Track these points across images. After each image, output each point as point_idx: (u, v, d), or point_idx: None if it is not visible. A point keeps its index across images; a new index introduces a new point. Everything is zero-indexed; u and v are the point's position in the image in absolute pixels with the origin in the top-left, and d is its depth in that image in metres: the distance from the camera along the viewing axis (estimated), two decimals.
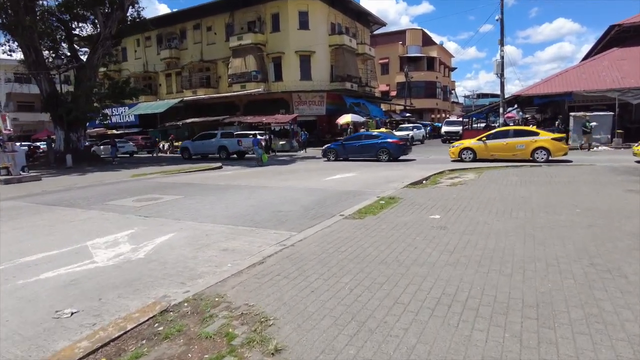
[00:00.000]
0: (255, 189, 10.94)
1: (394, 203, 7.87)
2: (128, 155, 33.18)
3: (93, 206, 9.34)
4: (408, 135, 30.53)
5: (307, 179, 12.93)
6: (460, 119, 39.87)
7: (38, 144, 38.22)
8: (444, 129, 35.30)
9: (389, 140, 18.84)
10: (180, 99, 39.31)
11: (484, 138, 16.46)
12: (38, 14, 25.94)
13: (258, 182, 12.47)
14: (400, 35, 58.82)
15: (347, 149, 20.00)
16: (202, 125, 38.20)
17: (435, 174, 12.33)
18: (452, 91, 72.18)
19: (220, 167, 19.29)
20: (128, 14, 27.34)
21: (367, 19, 43.56)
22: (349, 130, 33.32)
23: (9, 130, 15.58)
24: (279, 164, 19.66)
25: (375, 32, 50.61)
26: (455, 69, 75.83)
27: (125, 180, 14.67)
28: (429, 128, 41.65)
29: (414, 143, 31.02)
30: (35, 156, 28.41)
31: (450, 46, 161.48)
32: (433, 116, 58.81)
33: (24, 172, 17.76)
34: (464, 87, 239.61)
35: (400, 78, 53.05)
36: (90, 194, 11.45)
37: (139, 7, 28.02)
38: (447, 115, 60.19)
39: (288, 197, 9.33)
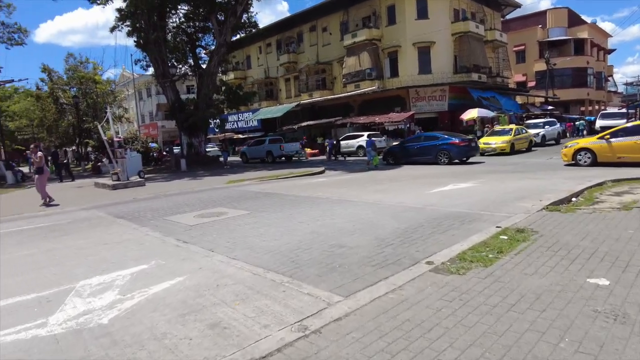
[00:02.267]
0: (335, 204, 8.76)
1: (523, 241, 4.94)
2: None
3: (150, 222, 8.29)
4: (539, 133, 25.11)
5: (407, 190, 10.29)
6: (623, 111, 31.93)
7: (175, 148, 42.08)
8: (599, 123, 28.31)
9: (449, 141, 17.33)
10: (297, 102, 39.35)
11: (608, 136, 12.77)
12: (168, 30, 27.95)
13: (345, 193, 10.27)
14: (539, 17, 50.56)
15: (407, 151, 18.56)
16: (317, 128, 37.68)
17: (591, 187, 8.63)
18: (609, 78, 59.50)
19: (322, 172, 17.68)
20: (242, 20, 27.76)
21: (497, 2, 38.01)
22: (475, 127, 29.01)
23: (120, 137, 16.20)
24: (386, 168, 17.16)
25: (508, 17, 44.23)
26: (613, 50, 62.50)
27: (217, 188, 13.91)
28: (581, 122, 34.20)
29: (546, 142, 25.48)
30: (163, 160, 30.76)
31: (605, 27, 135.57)
32: (583, 108, 49.15)
33: (140, 176, 18.58)
34: (622, 73, 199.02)
35: (540, 66, 45.38)
36: (167, 204, 10.66)
37: (252, 12, 28.24)
38: (603, 107, 49.63)
39: (367, 219, 6.93)
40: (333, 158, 26.15)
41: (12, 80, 33.25)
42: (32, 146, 12.64)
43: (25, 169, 29.91)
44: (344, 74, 34.99)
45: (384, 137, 27.96)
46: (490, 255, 4.51)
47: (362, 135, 28.55)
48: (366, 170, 17.24)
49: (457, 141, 17.38)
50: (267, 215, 7.97)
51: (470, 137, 19.55)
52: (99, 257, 5.80)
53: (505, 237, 5.16)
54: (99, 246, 6.47)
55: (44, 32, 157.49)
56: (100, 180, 17.26)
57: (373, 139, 22.15)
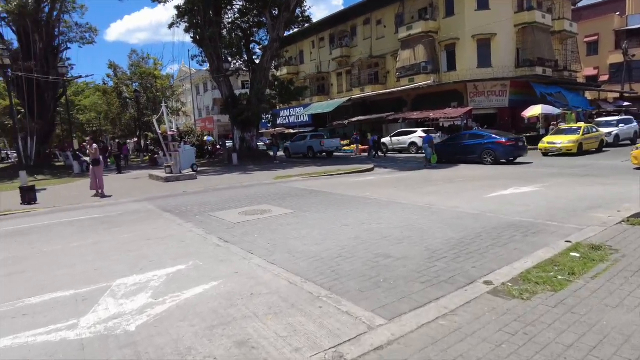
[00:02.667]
0: (382, 206, 8.25)
1: (601, 262, 4.23)
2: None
3: (196, 217, 8.26)
4: (611, 132, 22.80)
5: (463, 193, 9.56)
6: None
7: (228, 142, 43.14)
8: None
9: (495, 140, 16.61)
10: (349, 97, 38.81)
11: None
12: (223, 25, 28.47)
13: (394, 194, 9.72)
14: (616, 3, 46.11)
15: (449, 150, 17.99)
16: (368, 124, 36.98)
17: None
18: None
19: (371, 170, 17.16)
20: (295, 14, 27.65)
21: None
22: (538, 125, 27.06)
23: (174, 131, 16.59)
24: (440, 168, 16.31)
25: (580, 4, 40.78)
26: None
27: (265, 183, 13.84)
28: None
29: (620, 142, 23.08)
30: (216, 153, 31.51)
31: None
32: None
33: (193, 169, 19.03)
34: None
35: (616, 58, 41.43)
36: (214, 199, 10.67)
37: (306, 7, 28.03)
38: None
39: (417, 226, 6.39)
40: (374, 156, 25.23)
41: (80, 77, 35.46)
42: (87, 138, 13.22)
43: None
44: (397, 67, 33.95)
45: (439, 134, 26.82)
46: (560, 277, 3.87)
47: (416, 132, 27.57)
48: (418, 169, 16.48)
49: (503, 140, 16.57)
50: (311, 216, 7.65)
51: (518, 136, 18.34)
52: (139, 253, 5.76)
53: (577, 255, 4.46)
54: (142, 242, 6.47)
55: (114, 31, 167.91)
56: (155, 173, 17.85)
57: (431, 135, 21.24)
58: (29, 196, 11.75)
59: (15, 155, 30.29)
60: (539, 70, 29.58)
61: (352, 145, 31.58)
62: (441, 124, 29.45)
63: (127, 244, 6.34)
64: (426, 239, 5.58)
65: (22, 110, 27.05)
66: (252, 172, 18.56)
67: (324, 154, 27.33)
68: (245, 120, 26.94)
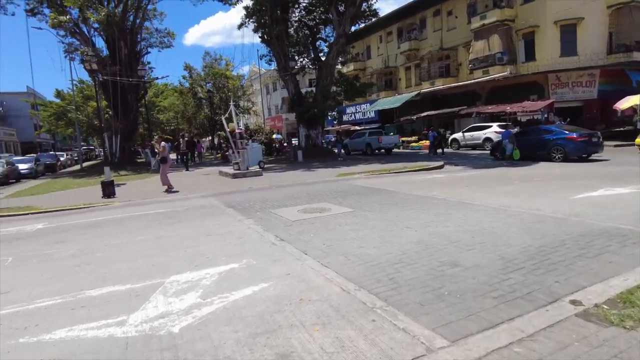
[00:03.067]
0: (450, 207, 7.59)
1: None
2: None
3: (256, 213, 8.23)
4: None
5: (543, 193, 8.57)
6: None
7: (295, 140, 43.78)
8: None
9: (565, 135, 15.51)
10: (417, 91, 37.51)
11: None
12: (290, 23, 28.79)
13: (464, 194, 8.96)
14: None
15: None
16: (438, 119, 35.45)
17: None
18: None
19: (440, 167, 16.27)
20: (362, 9, 27.13)
21: None
22: (635, 118, 24.04)
23: (241, 129, 16.97)
24: (517, 165, 15.00)
25: None
26: None
27: (327, 180, 13.64)
28: None
29: None
30: (283, 151, 32.00)
31: None
32: None
33: (259, 166, 19.42)
34: None
35: None
36: (276, 196, 10.65)
37: (372, 1, 27.38)
38: None
39: (489, 230, 5.73)
40: (434, 153, 23.90)
41: (157, 78, 37.89)
42: (156, 137, 13.89)
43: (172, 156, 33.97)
44: (470, 59, 32.11)
45: (516, 129, 24.90)
46: None
47: (491, 127, 25.83)
48: (493, 167, 15.31)
49: (574, 136, 15.32)
50: (371, 216, 7.25)
51: (592, 131, 16.44)
52: (197, 250, 5.76)
53: None
54: (201, 237, 6.50)
55: (192, 36, 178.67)
56: (224, 169, 18.43)
57: (510, 130, 19.75)
58: (108, 190, 12.59)
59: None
60: (636, 55, 26.27)
61: (421, 142, 30.38)
62: (518, 119, 27.31)
63: (187, 240, 6.41)
64: (500, 245, 4.95)
65: (109, 111, 29.42)
66: (315, 169, 18.48)
67: (382, 150, 27.04)
68: (311, 118, 27.01)
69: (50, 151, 45.47)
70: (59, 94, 42.29)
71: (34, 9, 27.19)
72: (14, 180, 23.10)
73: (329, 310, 3.45)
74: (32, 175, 25.88)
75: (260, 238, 6.17)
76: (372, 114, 43.92)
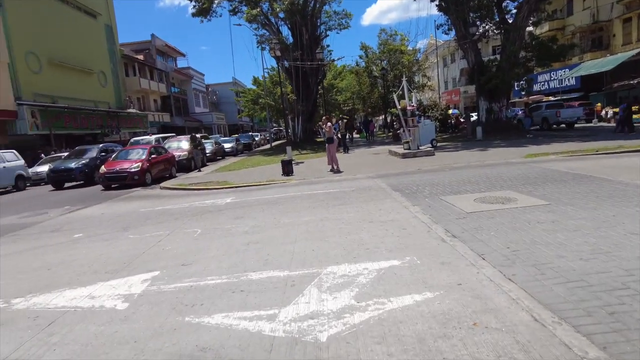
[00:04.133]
0: None
1: None
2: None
3: (425, 200, 7.46)
4: None
5: None
6: None
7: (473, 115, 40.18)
8: None
9: None
10: (639, 50, 29.66)
11: None
12: None
13: None
14: None
15: None
16: None
17: None
18: None
19: None
20: None
21: None
22: None
23: (413, 106, 16.07)
24: None
25: None
26: None
27: (511, 162, 11.78)
28: None
29: None
30: (460, 127, 29.63)
31: None
32: None
33: (432, 145, 18.28)
34: None
35: None
36: (448, 179, 9.59)
37: None
38: None
39: None
40: (620, 130, 18.12)
41: (334, 60, 39.32)
42: (324, 117, 14.08)
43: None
44: None
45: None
46: None
47: None
48: None
49: None
50: (574, 212, 5.65)
51: None
52: (357, 237, 5.39)
53: None
54: (364, 223, 6.12)
55: (369, 15, 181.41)
56: (394, 148, 17.92)
57: None
58: (287, 168, 13.49)
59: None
60: None
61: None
62: None
63: (349, 225, 6.11)
64: None
65: (290, 95, 31.95)
66: (497, 147, 16.32)
67: (562, 125, 25.02)
68: (493, 89, 24.09)
69: (249, 132, 52.69)
70: (255, 81, 48.28)
71: (235, 9, 31.14)
72: (220, 157, 27.34)
73: (514, 348, 2.56)
74: (233, 153, 30.29)
75: (427, 231, 5.42)
76: (572, 81, 36.85)
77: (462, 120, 31.42)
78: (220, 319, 3.41)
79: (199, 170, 18.58)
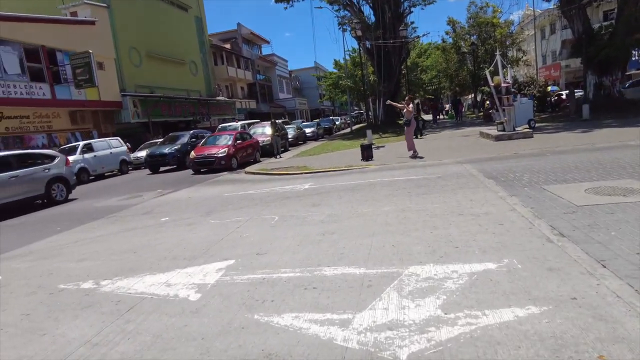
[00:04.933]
0: None
1: None
2: None
3: (524, 189, 6.55)
4: None
5: None
6: None
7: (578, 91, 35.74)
8: None
9: None
10: None
11: None
12: None
13: None
14: None
15: None
16: None
17: None
18: None
19: None
20: None
21: None
22: None
23: (508, 82, 14.50)
24: None
25: None
26: None
27: (628, 145, 9.99)
28: None
29: None
30: (561, 105, 26.54)
31: None
32: None
33: (529, 126, 16.52)
34: None
35: None
36: (551, 165, 8.41)
37: None
38: None
39: None
40: None
41: (418, 37, 37.36)
42: (406, 98, 13.16)
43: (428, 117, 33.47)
44: None
45: None
46: None
47: None
48: None
49: None
50: None
51: None
52: (445, 232, 4.81)
53: None
54: (452, 216, 5.49)
55: None
56: (485, 130, 16.47)
57: None
58: (367, 153, 13.01)
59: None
60: None
61: None
62: None
63: (435, 217, 5.53)
64: None
65: (372, 76, 31.00)
66: (608, 128, 14.17)
67: None
68: (604, 60, 21.01)
69: (330, 116, 52.74)
70: (336, 64, 47.95)
71: None
72: (302, 142, 27.62)
73: None
74: (314, 137, 30.46)
75: (529, 228, 4.65)
76: None
77: (563, 98, 28.09)
78: (290, 320, 3.15)
79: (279, 156, 18.80)
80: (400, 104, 13.34)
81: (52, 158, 12.33)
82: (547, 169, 8.01)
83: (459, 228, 4.93)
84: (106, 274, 4.87)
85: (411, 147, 12.66)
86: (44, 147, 21.80)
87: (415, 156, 12.33)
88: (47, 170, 11.80)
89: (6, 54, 20.39)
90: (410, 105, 12.87)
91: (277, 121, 20.10)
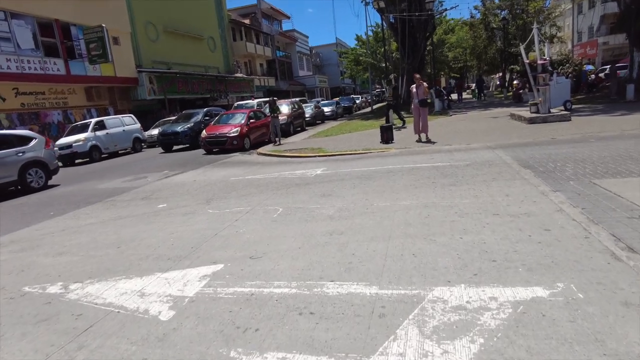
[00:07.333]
0: None
1: None
2: None
3: (569, 183, 5.55)
4: None
5: None
6: None
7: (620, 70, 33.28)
8: None
9: None
10: None
11: None
12: None
13: None
14: None
15: None
16: None
17: None
18: None
19: None
20: None
21: None
22: None
23: (545, 60, 13.13)
24: None
25: None
26: None
27: None
28: None
29: None
30: (599, 86, 24.65)
31: None
32: None
33: (566, 108, 15.19)
34: None
35: None
36: (597, 153, 7.32)
37: None
38: None
39: None
40: None
41: (445, 10, 35.30)
42: (417, 76, 11.92)
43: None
44: None
45: None
46: None
47: None
48: None
49: None
50: None
51: None
52: (477, 240, 3.93)
53: None
54: (485, 216, 4.58)
55: None
56: (517, 112, 15.16)
57: None
58: (386, 135, 12.04)
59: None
60: None
61: None
62: None
63: (464, 217, 4.64)
64: None
65: (395, 53, 29.44)
66: None
67: None
68: None
69: (351, 95, 51.25)
70: (359, 39, 46.21)
71: None
72: (320, 122, 26.62)
73: None
74: (333, 116, 29.39)
75: (585, 237, 3.73)
76: None
77: (603, 77, 26.10)
78: None
79: (279, 142, 17.81)
80: (420, 84, 11.83)
81: (28, 140, 11.06)
82: (595, 159, 6.95)
83: (495, 233, 4.04)
84: (79, 275, 4.22)
85: (420, 129, 11.61)
86: (59, 124, 21.56)
87: (427, 140, 11.34)
88: (20, 154, 10.60)
89: (19, 28, 19.92)
90: (425, 84, 11.75)
91: (275, 99, 18.61)
